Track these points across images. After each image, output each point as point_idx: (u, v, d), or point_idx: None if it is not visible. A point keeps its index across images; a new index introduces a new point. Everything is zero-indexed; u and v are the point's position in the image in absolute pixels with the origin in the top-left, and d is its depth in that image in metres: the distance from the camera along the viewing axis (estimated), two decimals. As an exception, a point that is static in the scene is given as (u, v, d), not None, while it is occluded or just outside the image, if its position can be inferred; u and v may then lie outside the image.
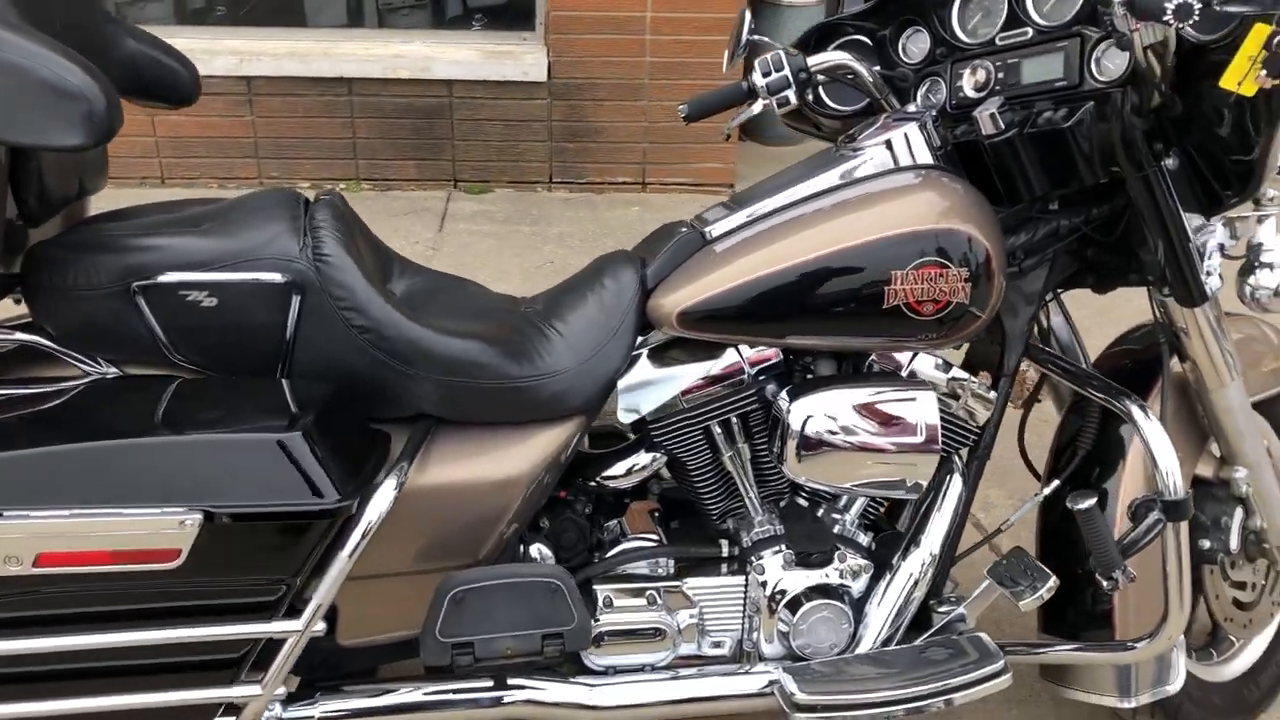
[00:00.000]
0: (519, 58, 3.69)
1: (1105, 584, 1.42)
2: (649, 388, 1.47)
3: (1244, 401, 1.60)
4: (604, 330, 1.45)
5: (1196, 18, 1.23)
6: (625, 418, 1.46)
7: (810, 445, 1.42)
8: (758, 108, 1.65)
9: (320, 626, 1.26)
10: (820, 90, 1.74)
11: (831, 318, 1.42)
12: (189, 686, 1.25)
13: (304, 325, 1.32)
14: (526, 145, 3.81)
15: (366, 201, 3.61)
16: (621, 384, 1.45)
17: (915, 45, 1.66)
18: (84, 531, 1.12)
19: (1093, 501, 1.42)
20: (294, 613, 1.24)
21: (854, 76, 1.63)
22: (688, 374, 1.47)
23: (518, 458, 1.40)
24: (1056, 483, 1.64)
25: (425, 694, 1.41)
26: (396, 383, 1.35)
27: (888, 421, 1.43)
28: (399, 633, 1.41)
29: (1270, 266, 1.54)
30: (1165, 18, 1.23)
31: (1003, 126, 1.44)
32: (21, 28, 1.13)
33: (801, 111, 1.73)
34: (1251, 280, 1.53)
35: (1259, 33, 1.23)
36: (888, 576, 1.54)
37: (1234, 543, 1.66)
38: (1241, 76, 1.26)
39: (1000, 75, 1.51)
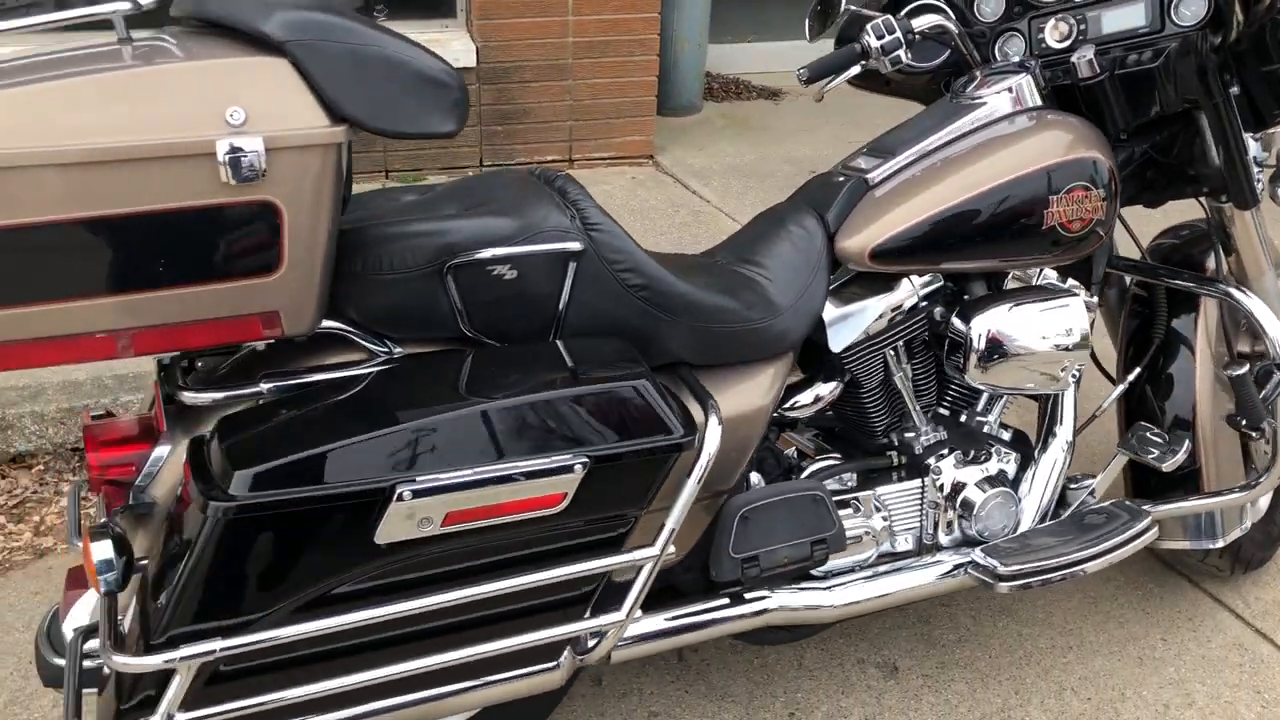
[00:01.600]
0: (447, 45, 3.76)
1: (1254, 435, 1.74)
2: (845, 321, 1.67)
3: (1276, 286, 1.95)
4: (805, 272, 1.64)
5: None
6: (836, 347, 1.66)
7: (990, 355, 1.66)
8: (859, 69, 1.83)
9: (671, 550, 1.40)
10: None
11: (1000, 241, 1.65)
12: (550, 625, 1.37)
13: (578, 289, 1.44)
14: (457, 131, 3.88)
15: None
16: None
17: (989, 5, 1.92)
18: (486, 488, 1.24)
19: (1245, 369, 1.73)
20: (642, 543, 1.39)
21: (947, 35, 1.87)
22: (875, 306, 1.68)
23: (759, 391, 1.58)
24: (1138, 369, 1.95)
25: (698, 612, 1.58)
26: (661, 333, 1.49)
27: (1050, 327, 1.68)
28: (666, 560, 1.57)
29: (1263, 169, 1.89)
30: None
31: (1099, 70, 1.72)
32: (372, 21, 1.22)
33: (877, 72, 1.96)
34: None
35: None
36: (1034, 464, 1.81)
37: None
38: None
39: (1082, 27, 1.79)
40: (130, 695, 1.22)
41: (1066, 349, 1.69)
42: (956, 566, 1.73)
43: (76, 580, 1.40)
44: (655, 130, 4.13)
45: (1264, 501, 2.15)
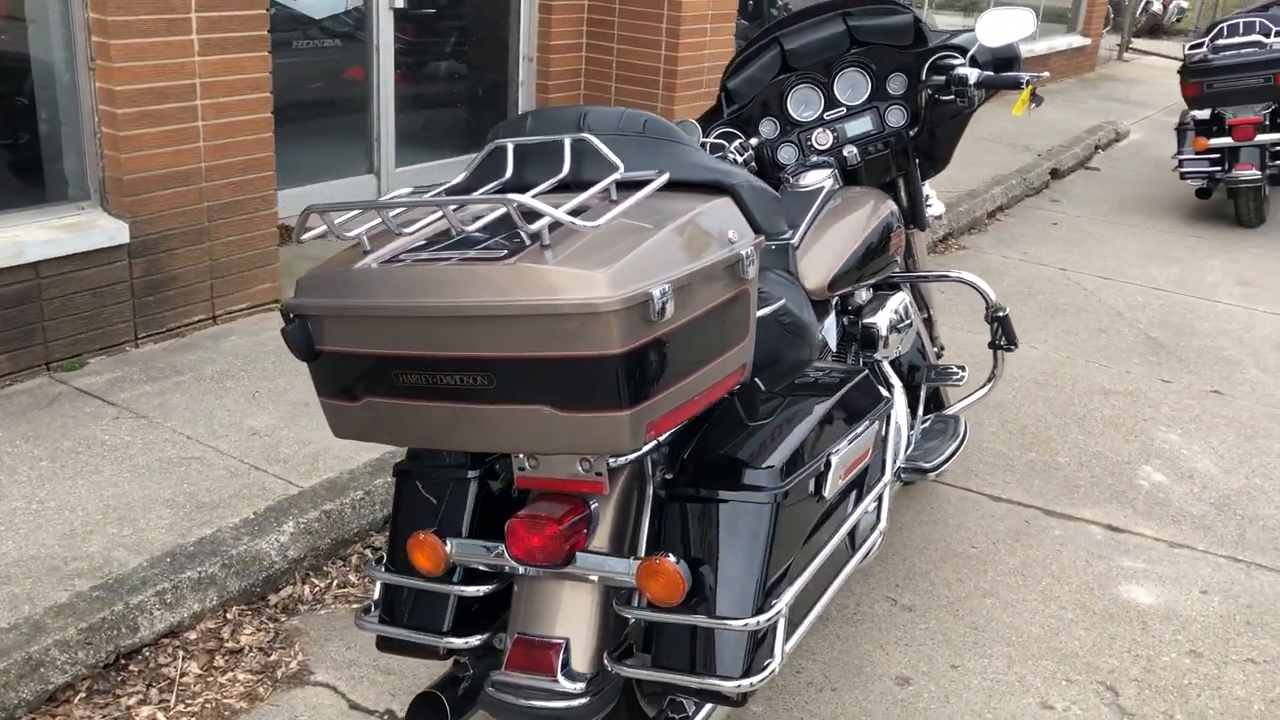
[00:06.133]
0: (95, 227, 3.74)
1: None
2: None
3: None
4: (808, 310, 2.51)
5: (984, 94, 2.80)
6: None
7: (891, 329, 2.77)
8: None
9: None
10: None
11: (875, 261, 2.70)
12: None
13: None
14: (113, 309, 3.85)
15: None
16: None
17: (766, 127, 2.97)
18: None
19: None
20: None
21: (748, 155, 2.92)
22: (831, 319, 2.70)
23: None
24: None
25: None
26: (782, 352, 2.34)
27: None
28: None
29: (931, 205, 3.17)
30: (973, 96, 2.76)
31: (858, 158, 2.86)
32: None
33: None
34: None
35: (1027, 90, 2.81)
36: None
37: None
38: (1022, 107, 2.83)
39: (836, 134, 2.89)
40: (755, 650, 1.79)
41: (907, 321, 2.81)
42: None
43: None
44: (280, 276, 4.41)
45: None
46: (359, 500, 3.01)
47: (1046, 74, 2.96)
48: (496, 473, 2.07)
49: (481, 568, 2.00)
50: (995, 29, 2.86)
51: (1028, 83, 2.88)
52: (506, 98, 6.35)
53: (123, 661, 2.47)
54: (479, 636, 2.01)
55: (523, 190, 1.93)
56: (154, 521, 2.88)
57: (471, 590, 2.00)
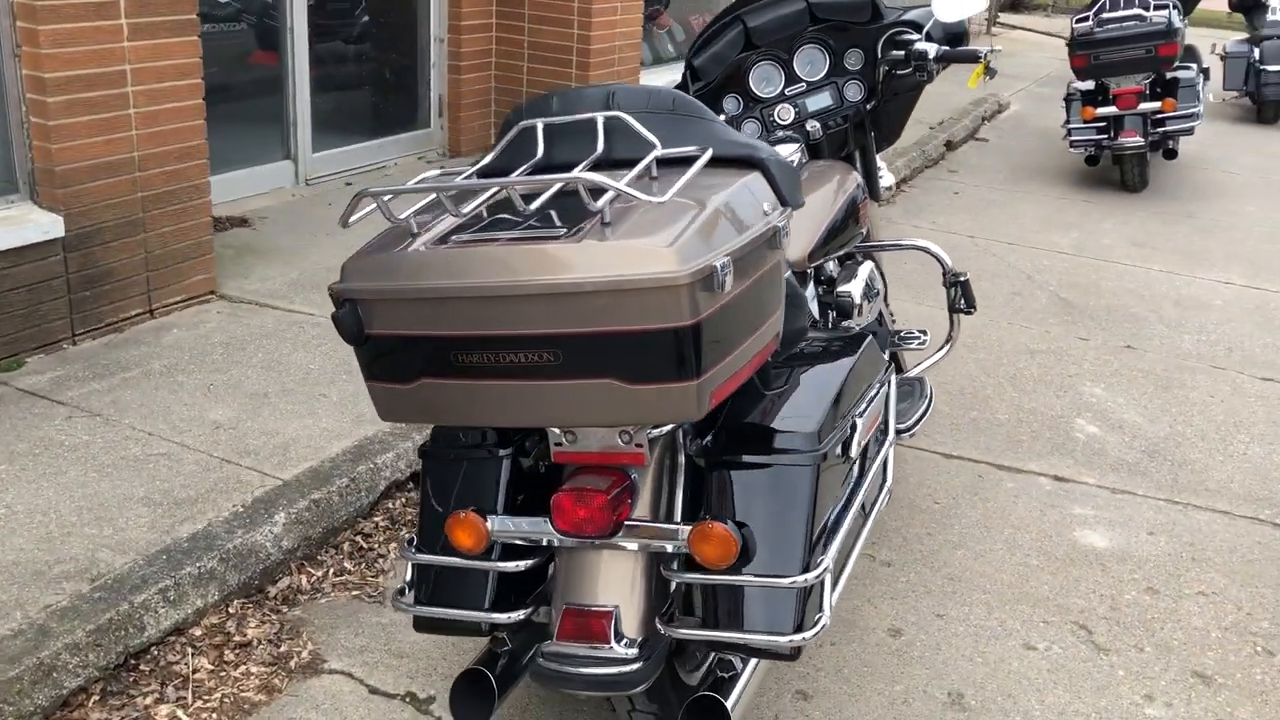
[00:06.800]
0: (27, 221, 3.60)
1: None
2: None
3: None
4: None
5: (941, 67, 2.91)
6: None
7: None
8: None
9: None
10: None
11: (846, 232, 2.80)
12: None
13: None
14: (49, 305, 3.71)
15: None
16: None
17: (729, 104, 3.04)
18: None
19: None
20: None
21: None
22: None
23: None
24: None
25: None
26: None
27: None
28: None
29: (883, 177, 3.29)
30: (932, 70, 2.88)
31: (820, 131, 2.96)
32: None
33: None
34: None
35: (981, 65, 2.93)
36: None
37: None
38: (977, 79, 2.95)
39: (798, 109, 2.98)
40: (804, 605, 1.88)
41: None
42: None
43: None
44: (215, 266, 4.30)
45: None
46: (345, 488, 2.99)
47: (1001, 48, 3.11)
48: (527, 449, 2.10)
49: (518, 542, 2.04)
50: (951, 4, 2.98)
51: (984, 56, 3.01)
52: (419, 79, 6.28)
53: (132, 661, 2.42)
54: (522, 611, 2.05)
55: (558, 169, 1.96)
56: (133, 520, 2.82)
57: (511, 566, 2.03)
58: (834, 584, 1.96)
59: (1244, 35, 9.74)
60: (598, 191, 1.67)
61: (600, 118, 1.96)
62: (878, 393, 2.28)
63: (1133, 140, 6.77)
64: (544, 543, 2.01)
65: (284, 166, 5.51)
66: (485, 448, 2.08)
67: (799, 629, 1.88)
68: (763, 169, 1.96)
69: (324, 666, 2.50)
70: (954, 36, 3.14)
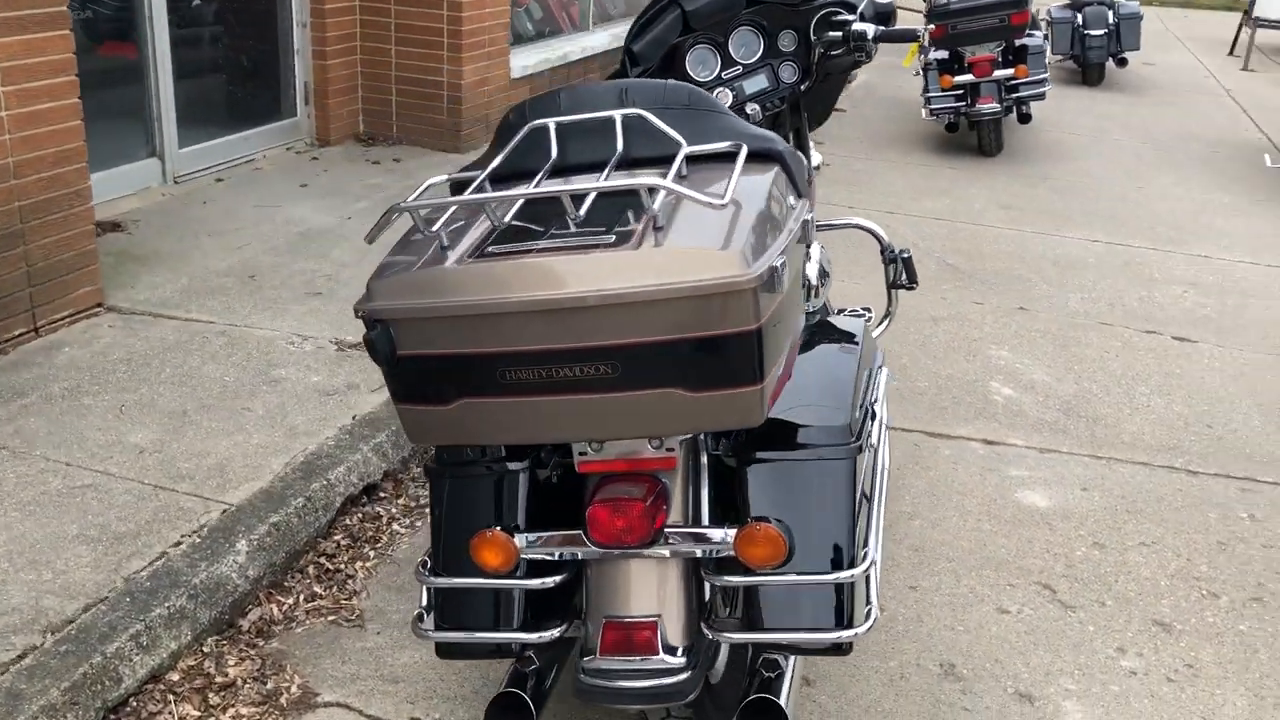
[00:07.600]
0: (-101, 239, 3.27)
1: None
2: None
3: None
4: None
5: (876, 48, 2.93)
6: None
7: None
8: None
9: None
10: None
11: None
12: None
13: None
14: (-73, 330, 3.39)
15: None
16: None
17: None
18: None
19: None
20: None
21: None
22: None
23: None
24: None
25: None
26: None
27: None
28: None
29: (814, 156, 3.32)
30: (870, 49, 2.89)
31: (760, 114, 2.95)
32: None
33: None
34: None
35: (916, 43, 2.96)
36: None
37: None
38: (911, 58, 2.99)
39: (737, 92, 2.96)
40: (851, 599, 1.86)
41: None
42: None
43: None
44: (101, 277, 4.01)
45: None
46: (302, 508, 2.83)
47: (933, 27, 3.15)
48: (544, 461, 2.03)
49: (546, 558, 1.97)
50: None
51: (919, 36, 3.06)
52: (282, 66, 6.00)
53: (112, 717, 2.24)
54: (557, 629, 1.98)
55: (576, 170, 1.89)
56: (73, 561, 2.61)
57: (538, 583, 1.97)
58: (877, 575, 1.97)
59: (1066, 1, 10.23)
60: (652, 193, 1.62)
61: (619, 115, 1.89)
62: (880, 378, 2.30)
63: (990, 106, 7.03)
64: (576, 557, 1.95)
65: (150, 165, 5.18)
66: (497, 462, 2.00)
67: (850, 623, 1.88)
68: (780, 161, 1.93)
69: (317, 700, 2.38)
70: (883, 16, 3.17)
